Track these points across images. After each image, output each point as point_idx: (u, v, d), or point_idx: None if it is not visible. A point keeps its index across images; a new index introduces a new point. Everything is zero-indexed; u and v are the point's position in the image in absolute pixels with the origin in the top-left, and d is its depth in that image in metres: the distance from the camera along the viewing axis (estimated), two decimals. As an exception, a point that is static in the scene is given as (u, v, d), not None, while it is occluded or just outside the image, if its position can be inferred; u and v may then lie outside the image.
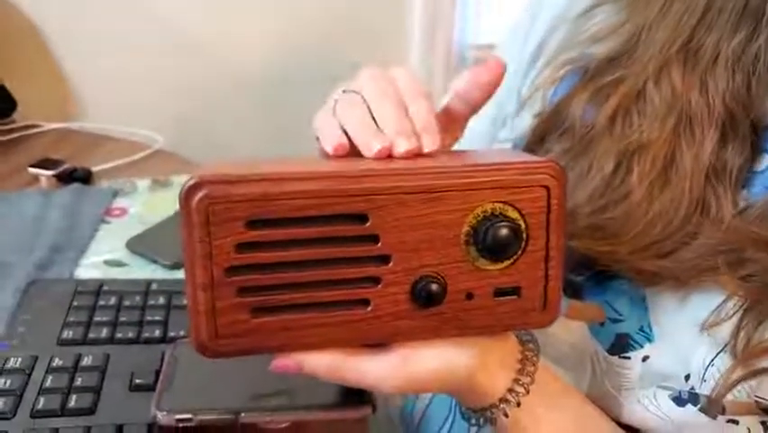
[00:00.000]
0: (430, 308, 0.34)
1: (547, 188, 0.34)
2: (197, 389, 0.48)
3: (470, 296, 0.35)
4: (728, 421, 0.39)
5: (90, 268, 0.74)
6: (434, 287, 0.34)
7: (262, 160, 0.37)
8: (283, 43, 1.25)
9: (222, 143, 1.20)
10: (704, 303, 0.39)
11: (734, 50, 0.41)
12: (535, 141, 0.48)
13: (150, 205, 0.88)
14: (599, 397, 0.44)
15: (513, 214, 0.34)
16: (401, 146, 0.35)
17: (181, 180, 0.92)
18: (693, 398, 0.40)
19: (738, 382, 0.37)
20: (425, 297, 0.34)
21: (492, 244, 0.33)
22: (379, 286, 0.34)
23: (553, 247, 0.35)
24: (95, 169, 0.95)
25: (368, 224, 0.33)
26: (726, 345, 0.38)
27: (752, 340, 0.37)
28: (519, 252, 0.35)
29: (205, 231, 0.31)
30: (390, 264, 0.34)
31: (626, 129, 0.43)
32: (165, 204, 0.87)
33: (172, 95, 1.21)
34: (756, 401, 0.37)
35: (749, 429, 0.38)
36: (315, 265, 0.33)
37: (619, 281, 0.43)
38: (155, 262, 0.75)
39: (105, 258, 0.76)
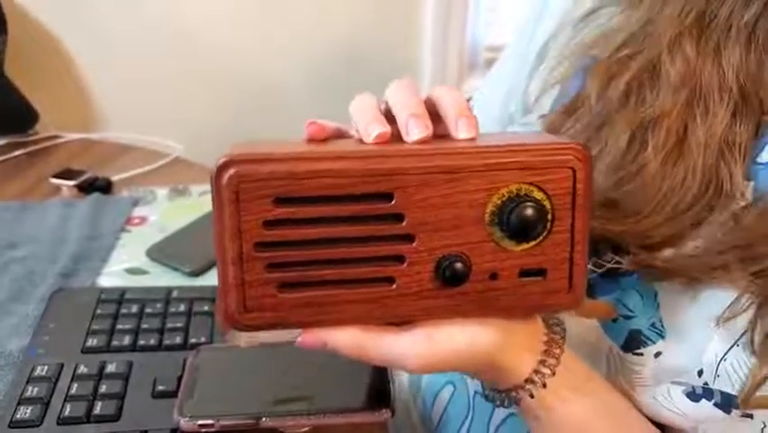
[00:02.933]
0: (454, 287, 0.35)
1: (573, 169, 0.34)
2: (219, 394, 0.49)
3: (494, 276, 0.35)
4: (743, 416, 0.38)
5: (112, 276, 0.75)
6: (459, 266, 0.34)
7: (291, 140, 0.38)
8: (300, 48, 1.26)
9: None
10: (716, 298, 0.39)
11: (746, 24, 0.40)
12: (552, 131, 0.48)
13: (169, 213, 0.89)
14: None
15: (538, 195, 0.34)
16: (411, 129, 0.35)
17: (200, 189, 0.94)
18: (708, 393, 0.39)
19: (764, 380, 0.37)
20: (450, 276, 0.34)
21: (517, 224, 0.33)
22: (404, 264, 0.34)
23: (578, 229, 0.35)
24: (115, 178, 0.97)
25: (392, 202, 0.33)
26: (737, 340, 0.38)
27: None
28: (545, 233, 0.34)
29: (234, 208, 0.32)
30: (415, 243, 0.34)
31: (640, 103, 0.43)
32: (184, 212, 0.88)
33: (191, 104, 1.22)
34: None
35: (764, 423, 0.38)
36: (341, 243, 0.34)
37: (630, 278, 0.43)
38: (176, 269, 0.76)
39: (126, 266, 0.77)
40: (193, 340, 0.61)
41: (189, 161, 1.04)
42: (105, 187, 0.95)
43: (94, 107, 1.25)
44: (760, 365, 0.37)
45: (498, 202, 0.34)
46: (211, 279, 0.75)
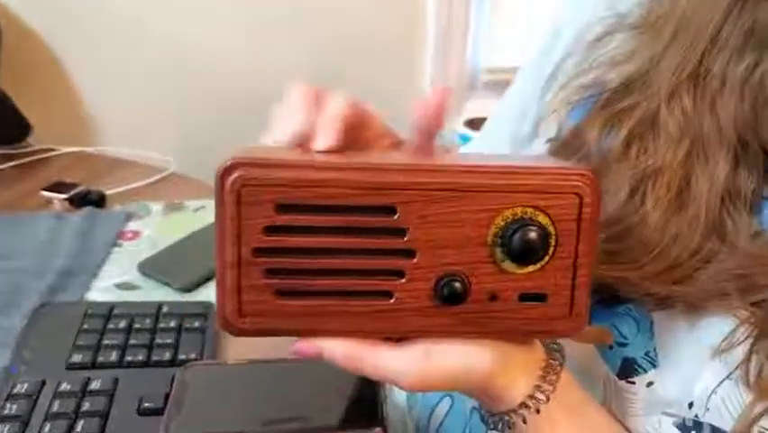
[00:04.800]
0: (452, 306, 0.34)
1: (579, 195, 0.33)
2: (207, 412, 0.47)
3: (493, 298, 0.34)
4: None
5: (102, 291, 0.73)
6: (457, 285, 0.34)
7: (298, 147, 0.38)
8: (298, 66, 1.26)
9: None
10: (712, 329, 0.38)
11: (741, 76, 0.41)
12: None
13: (162, 228, 0.87)
14: None
15: (543, 219, 0.33)
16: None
17: (195, 204, 0.93)
18: (698, 426, 0.39)
19: (760, 416, 0.36)
20: (448, 295, 0.34)
21: (520, 247, 0.33)
22: (403, 280, 0.34)
23: (582, 255, 0.34)
24: (108, 192, 0.95)
25: (395, 217, 0.33)
26: (731, 373, 0.37)
27: (764, 368, 0.36)
28: (547, 258, 0.34)
29: (236, 211, 0.32)
30: (415, 259, 0.33)
31: (641, 155, 0.43)
32: (178, 227, 0.87)
33: (186, 118, 1.22)
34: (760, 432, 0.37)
35: None
36: (341, 254, 0.33)
37: (626, 306, 0.43)
38: (167, 284, 0.74)
39: (116, 281, 0.75)
40: (182, 356, 0.59)
41: (186, 176, 1.03)
42: (98, 200, 0.93)
43: (88, 121, 1.24)
44: (753, 402, 0.36)
45: (502, 223, 0.33)
46: (202, 295, 0.73)
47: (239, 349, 0.65)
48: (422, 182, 0.33)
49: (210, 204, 0.99)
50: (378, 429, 0.44)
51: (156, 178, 1.00)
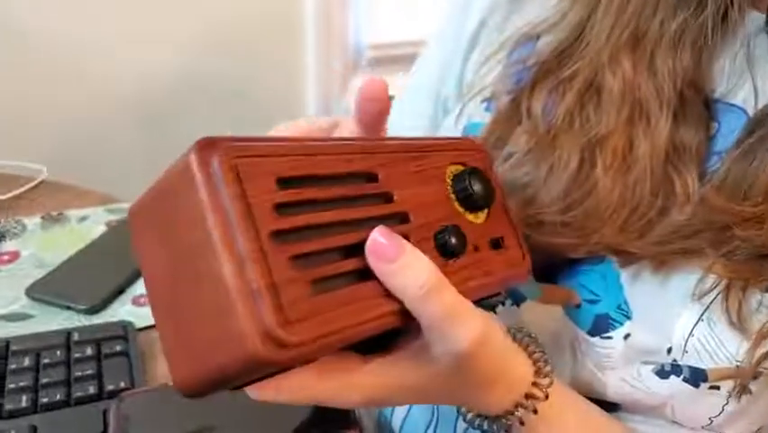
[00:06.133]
0: (455, 258, 0.33)
1: (487, 151, 0.39)
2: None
3: (476, 248, 0.35)
4: (710, 388, 0.40)
5: (-15, 327, 0.63)
6: (455, 235, 0.33)
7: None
8: (169, 62, 1.16)
9: (109, 169, 1.08)
10: (684, 277, 0.40)
11: (677, 29, 0.42)
12: (495, 142, 0.47)
13: (45, 245, 0.77)
14: (584, 378, 0.44)
15: (478, 170, 0.36)
16: None
17: (78, 214, 0.82)
18: (676, 369, 0.40)
19: (761, 361, 0.38)
20: (449, 246, 0.33)
21: (470, 196, 0.35)
22: (411, 243, 0.31)
23: (505, 198, 0.38)
24: (-32, 211, 0.82)
25: (378, 182, 0.32)
26: (702, 315, 0.39)
27: (743, 305, 0.38)
28: (491, 203, 0.36)
29: (238, 190, 0.25)
30: (411, 221, 0.32)
31: (585, 123, 0.43)
32: (63, 242, 0.76)
33: (53, 124, 1.08)
34: (737, 366, 0.38)
35: (729, 393, 0.39)
36: (350, 227, 0.29)
37: (591, 262, 0.43)
38: (68, 308, 0.65)
39: (1, 312, 0.65)
40: (110, 387, 0.51)
41: (59, 183, 0.91)
42: (-43, 223, 0.80)
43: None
44: (753, 350, 0.37)
45: (453, 177, 0.35)
46: (114, 313, 0.65)
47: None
48: (387, 145, 0.33)
49: (95, 212, 0.90)
50: (354, 431, 0.43)
51: (27, 187, 0.88)
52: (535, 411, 0.36)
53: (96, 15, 1.06)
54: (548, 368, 0.37)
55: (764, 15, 0.41)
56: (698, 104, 0.42)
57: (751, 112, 0.41)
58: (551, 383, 0.36)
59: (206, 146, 0.26)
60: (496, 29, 0.52)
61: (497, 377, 0.34)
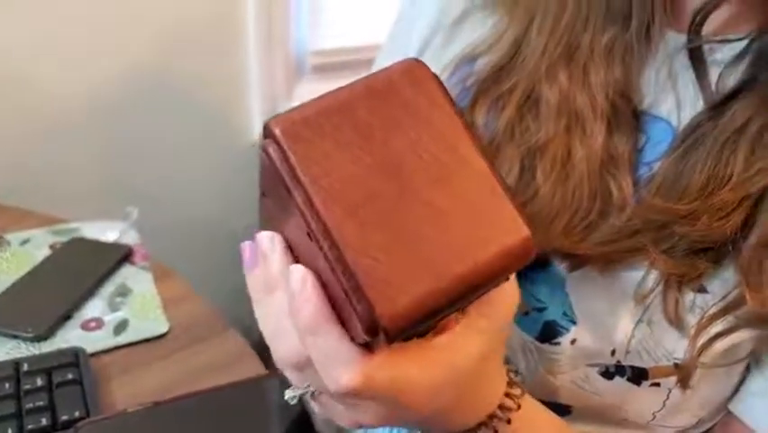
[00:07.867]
0: None
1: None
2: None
3: None
4: (651, 385, 0.42)
5: (-75, 361, 0.60)
6: None
7: None
8: (108, 69, 1.12)
9: (49, 188, 1.05)
10: (623, 279, 0.41)
11: (607, 43, 0.44)
12: None
13: (-15, 271, 0.74)
14: (536, 383, 0.45)
15: None
16: None
17: (20, 236, 0.80)
18: (620, 370, 0.42)
19: (701, 353, 0.39)
20: None
21: None
22: None
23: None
24: None
25: None
26: (641, 316, 0.41)
27: (679, 303, 0.40)
28: None
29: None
30: None
31: (525, 134, 0.45)
32: (4, 266, 0.73)
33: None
34: (675, 364, 0.40)
35: (669, 389, 0.42)
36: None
37: (536, 271, 0.44)
38: (14, 337, 0.63)
39: (-59, 345, 0.62)
40: (64, 417, 0.50)
41: (-2, 205, 0.87)
42: None
43: None
44: (693, 341, 0.39)
45: None
46: (62, 341, 0.63)
47: (126, 392, 0.57)
48: None
49: (37, 234, 0.87)
50: None
51: (-38, 213, 0.84)
52: (509, 421, 0.35)
53: (32, 26, 1.02)
54: (519, 378, 0.36)
55: (682, 36, 0.43)
56: (628, 114, 0.44)
57: (675, 123, 0.43)
58: (522, 393, 0.35)
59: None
60: (437, 51, 0.53)
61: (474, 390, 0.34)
